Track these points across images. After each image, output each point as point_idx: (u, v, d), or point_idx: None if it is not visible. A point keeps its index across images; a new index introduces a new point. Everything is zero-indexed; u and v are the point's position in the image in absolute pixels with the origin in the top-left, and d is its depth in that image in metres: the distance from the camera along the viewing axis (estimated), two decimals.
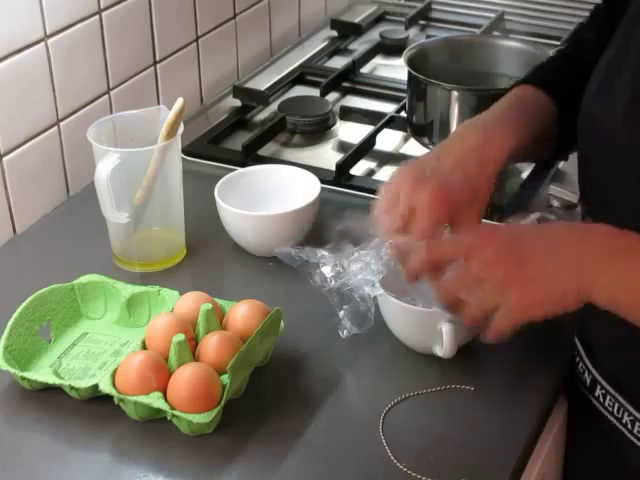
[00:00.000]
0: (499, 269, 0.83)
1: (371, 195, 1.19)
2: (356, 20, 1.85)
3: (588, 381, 1.02)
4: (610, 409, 0.99)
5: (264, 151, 1.40)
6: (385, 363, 1.03)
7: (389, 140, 1.45)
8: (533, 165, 1.35)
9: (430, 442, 0.94)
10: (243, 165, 1.31)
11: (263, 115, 1.53)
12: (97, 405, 0.96)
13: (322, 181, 1.23)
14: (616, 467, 1.01)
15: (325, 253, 1.01)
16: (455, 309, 0.88)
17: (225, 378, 0.94)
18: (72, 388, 0.95)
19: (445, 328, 0.96)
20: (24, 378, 0.97)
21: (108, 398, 0.94)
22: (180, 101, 1.12)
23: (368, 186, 1.28)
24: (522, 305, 0.82)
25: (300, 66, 1.66)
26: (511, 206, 1.26)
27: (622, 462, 1.00)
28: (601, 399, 1.00)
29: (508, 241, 0.84)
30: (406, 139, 1.45)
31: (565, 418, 1.09)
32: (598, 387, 1.00)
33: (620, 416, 0.98)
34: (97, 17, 1.30)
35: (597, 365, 1.00)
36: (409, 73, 1.37)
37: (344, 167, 1.34)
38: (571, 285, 0.80)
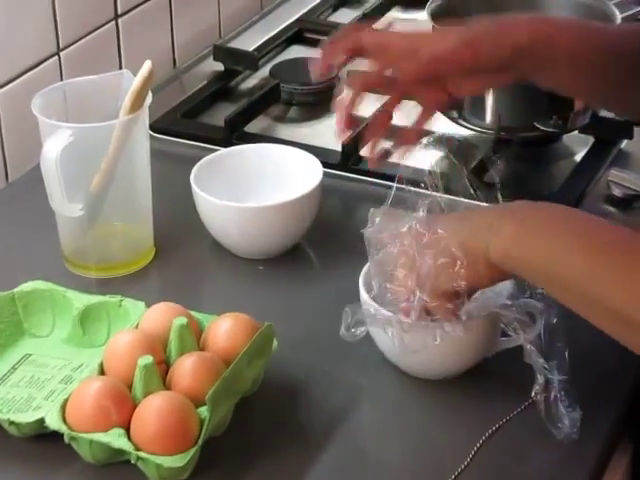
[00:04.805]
0: None
1: (387, 182, 1.18)
2: None
3: None
4: None
5: (252, 127, 1.41)
6: (403, 389, 1.03)
7: (409, 113, 1.44)
8: (589, 145, 1.35)
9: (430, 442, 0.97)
10: (226, 145, 1.32)
11: (251, 82, 1.54)
12: (43, 445, 0.96)
13: (325, 165, 1.23)
14: None
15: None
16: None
17: (203, 411, 0.93)
18: (12, 423, 0.95)
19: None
20: None
21: (57, 436, 0.93)
22: (148, 64, 1.12)
23: (382, 171, 1.28)
24: None
25: (297, 21, 1.67)
26: (562, 195, 1.26)
27: None
28: None
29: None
30: None
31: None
32: None
33: None
34: None
35: None
36: (433, 29, 1.36)
37: (352, 147, 1.33)
38: (469, 244, 0.97)
